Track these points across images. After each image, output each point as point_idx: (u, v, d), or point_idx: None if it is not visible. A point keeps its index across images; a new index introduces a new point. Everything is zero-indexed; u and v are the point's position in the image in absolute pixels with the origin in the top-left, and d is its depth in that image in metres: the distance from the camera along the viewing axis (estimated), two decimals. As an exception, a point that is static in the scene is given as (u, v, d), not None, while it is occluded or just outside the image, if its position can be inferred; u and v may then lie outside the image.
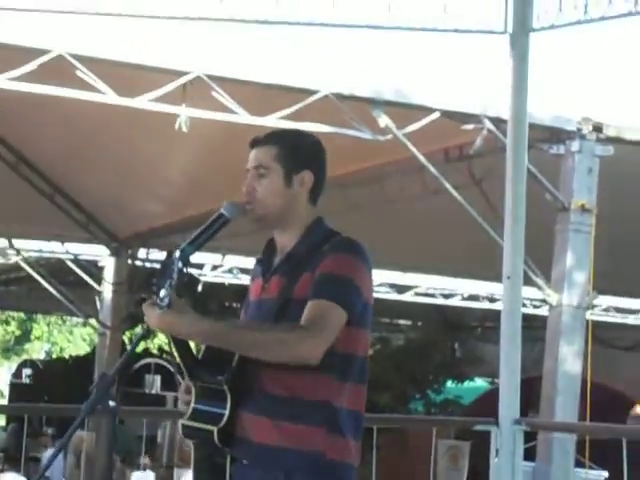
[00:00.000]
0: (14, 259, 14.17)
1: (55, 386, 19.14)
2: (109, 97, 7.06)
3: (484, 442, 5.25)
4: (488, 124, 7.67)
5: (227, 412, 2.98)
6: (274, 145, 3.13)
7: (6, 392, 28.39)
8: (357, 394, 3.07)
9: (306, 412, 2.97)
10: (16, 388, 23.67)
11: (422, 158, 7.92)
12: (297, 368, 2.92)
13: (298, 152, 3.14)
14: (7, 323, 39.54)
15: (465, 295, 15.85)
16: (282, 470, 2.96)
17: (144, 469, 14.04)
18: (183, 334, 2.93)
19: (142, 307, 2.88)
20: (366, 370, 3.10)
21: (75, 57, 6.80)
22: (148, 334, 3.02)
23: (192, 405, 3.03)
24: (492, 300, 15.52)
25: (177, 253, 2.89)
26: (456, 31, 5.74)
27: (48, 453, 14.36)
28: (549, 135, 7.92)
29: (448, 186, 8.02)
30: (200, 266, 14.19)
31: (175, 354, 3.02)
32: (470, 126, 7.78)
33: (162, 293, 2.83)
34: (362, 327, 3.06)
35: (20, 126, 10.56)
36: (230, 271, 14.72)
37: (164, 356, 19.76)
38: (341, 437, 3.00)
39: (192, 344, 3.05)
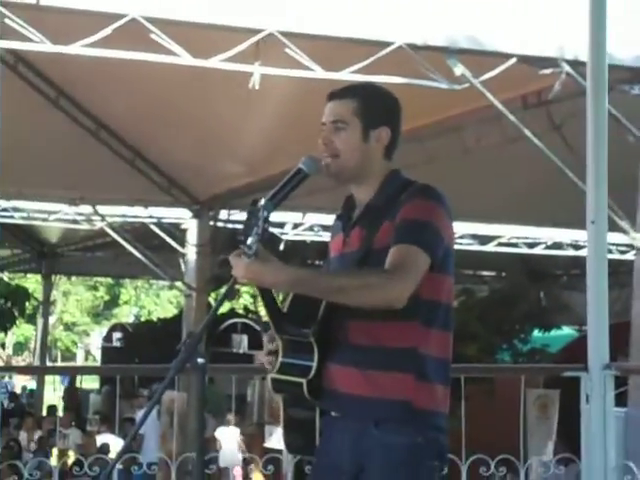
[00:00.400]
0: (99, 225, 14.37)
1: (145, 348, 19.45)
2: (184, 59, 7.09)
3: (573, 390, 5.20)
4: (566, 67, 7.52)
5: (315, 364, 3.00)
6: (353, 99, 3.11)
7: (98, 356, 28.95)
8: (443, 341, 3.07)
9: (393, 360, 2.98)
10: (108, 352, 24.12)
11: (500, 106, 7.82)
12: (382, 316, 2.94)
13: (377, 108, 3.13)
14: (95, 289, 40.33)
15: (549, 243, 15.66)
16: (372, 419, 2.99)
17: (227, 425, 14.28)
18: (269, 283, 2.93)
19: (229, 258, 2.88)
20: (451, 318, 3.10)
21: (149, 20, 6.83)
22: (233, 293, 3.04)
23: (280, 359, 3.06)
24: (577, 247, 15.31)
25: (262, 201, 2.88)
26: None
27: (141, 413, 14.64)
28: (630, 76, 7.75)
29: (528, 133, 7.91)
30: (281, 225, 14.24)
31: (262, 307, 3.04)
32: (548, 70, 7.64)
33: (249, 241, 2.82)
34: (445, 273, 3.06)
35: (98, 92, 10.68)
36: (311, 229, 14.74)
37: (250, 315, 19.95)
38: (429, 384, 3.00)
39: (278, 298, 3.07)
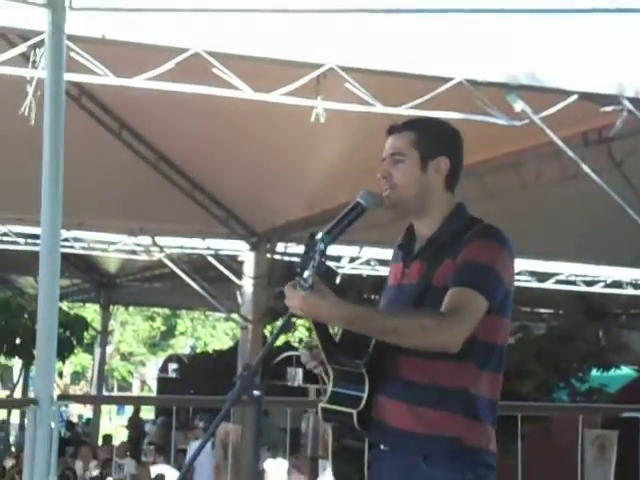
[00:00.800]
0: (157, 256, 14.51)
1: (200, 380, 19.52)
2: (245, 93, 7.15)
3: (632, 431, 5.13)
4: (628, 104, 7.47)
5: (365, 395, 3.01)
6: (410, 131, 3.13)
7: (154, 387, 29.11)
8: (495, 382, 3.06)
9: (443, 399, 2.97)
10: (163, 382, 24.26)
11: (560, 142, 7.78)
12: (436, 355, 2.93)
13: (434, 138, 3.13)
14: (153, 319, 40.62)
15: (608, 281, 15.50)
16: (420, 454, 2.98)
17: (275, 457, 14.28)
18: (324, 317, 2.92)
19: (284, 289, 2.89)
20: (504, 359, 3.08)
21: (211, 54, 6.91)
22: (289, 326, 3.06)
23: (331, 388, 3.06)
24: (636, 286, 15.15)
25: (319, 234, 2.89)
26: (594, 11, 5.62)
27: (196, 444, 14.68)
28: (691, 114, 7.67)
29: (587, 169, 7.86)
30: (338, 259, 14.26)
31: (315, 337, 3.04)
32: (609, 108, 7.59)
33: (306, 274, 2.82)
34: (503, 315, 3.04)
35: (159, 125, 10.81)
36: (368, 263, 14.74)
37: (305, 349, 19.90)
38: (479, 423, 2.99)
39: (331, 328, 3.07)
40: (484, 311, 2.93)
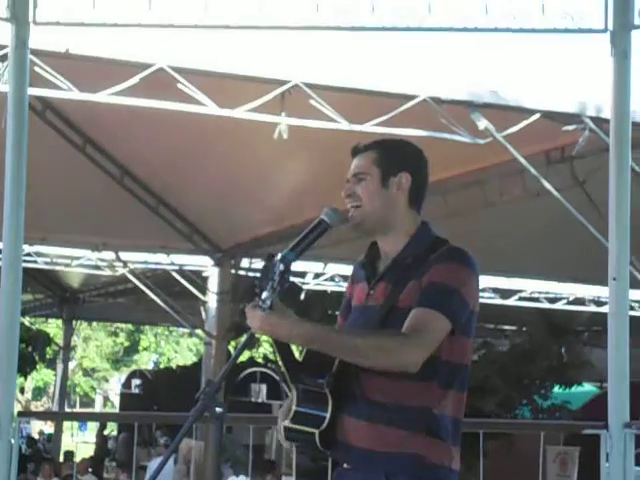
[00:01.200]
0: (121, 271, 14.44)
1: (164, 396, 19.43)
2: (210, 108, 7.16)
3: (593, 448, 5.16)
4: (590, 124, 7.54)
5: (328, 415, 3.00)
6: (372, 150, 3.16)
7: (116, 402, 28.94)
8: (459, 402, 3.06)
9: (406, 418, 2.96)
10: (126, 398, 24.12)
11: (523, 160, 7.84)
12: (399, 375, 2.92)
13: (395, 155, 3.15)
14: (116, 335, 40.37)
15: (571, 299, 15.62)
16: (383, 473, 2.97)
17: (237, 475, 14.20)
18: (284, 336, 2.94)
19: (245, 310, 2.91)
20: (467, 378, 3.09)
21: (176, 70, 6.92)
22: (252, 342, 3.05)
23: (294, 407, 3.06)
24: (598, 303, 15.26)
25: (278, 255, 2.91)
26: (554, 31, 5.67)
27: (158, 460, 14.59)
28: (653, 133, 7.75)
29: (550, 188, 7.92)
30: (302, 274, 14.27)
31: (277, 357, 3.05)
32: (572, 127, 7.66)
33: (264, 295, 2.85)
34: (466, 336, 3.05)
35: (124, 140, 10.77)
36: (332, 279, 14.76)
37: (269, 365, 19.92)
38: (441, 442, 2.99)
39: (294, 347, 3.07)
40: (446, 332, 2.94)
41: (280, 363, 3.04)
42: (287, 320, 2.88)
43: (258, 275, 2.91)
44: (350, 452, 3.02)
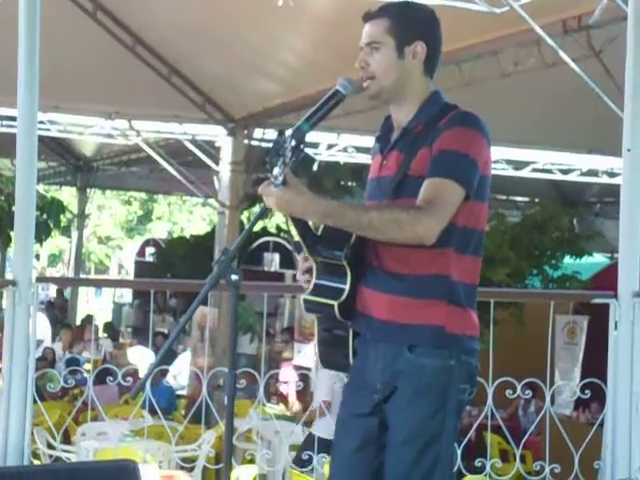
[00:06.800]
0: (134, 140, 14.41)
1: (178, 264, 19.59)
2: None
3: (602, 316, 5.23)
4: (608, -8, 7.41)
5: (347, 287, 3.03)
6: (385, 18, 3.09)
7: (131, 270, 29.21)
8: (475, 266, 3.09)
9: (425, 287, 2.99)
10: (140, 266, 24.30)
11: (539, 30, 7.73)
12: (414, 244, 2.94)
13: (410, 23, 3.09)
14: (129, 203, 40.51)
15: (584, 170, 15.56)
16: (405, 344, 3.01)
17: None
18: (299, 213, 2.94)
19: (258, 189, 2.90)
20: (482, 244, 3.12)
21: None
22: (266, 213, 3.07)
23: (313, 280, 3.09)
24: (611, 175, 15.21)
25: (288, 131, 2.89)
26: None
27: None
28: (673, 2, 7.61)
29: (566, 58, 7.83)
30: (315, 145, 14.21)
31: (294, 231, 3.07)
32: (589, -5, 7.53)
33: (275, 171, 2.84)
34: (480, 200, 3.05)
35: (136, 7, 10.65)
36: (345, 150, 14.71)
37: (282, 235, 20.03)
38: (461, 309, 3.03)
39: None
40: (461, 200, 2.94)
41: (297, 237, 3.06)
42: (302, 197, 2.88)
43: (269, 151, 2.90)
44: (371, 323, 3.06)
